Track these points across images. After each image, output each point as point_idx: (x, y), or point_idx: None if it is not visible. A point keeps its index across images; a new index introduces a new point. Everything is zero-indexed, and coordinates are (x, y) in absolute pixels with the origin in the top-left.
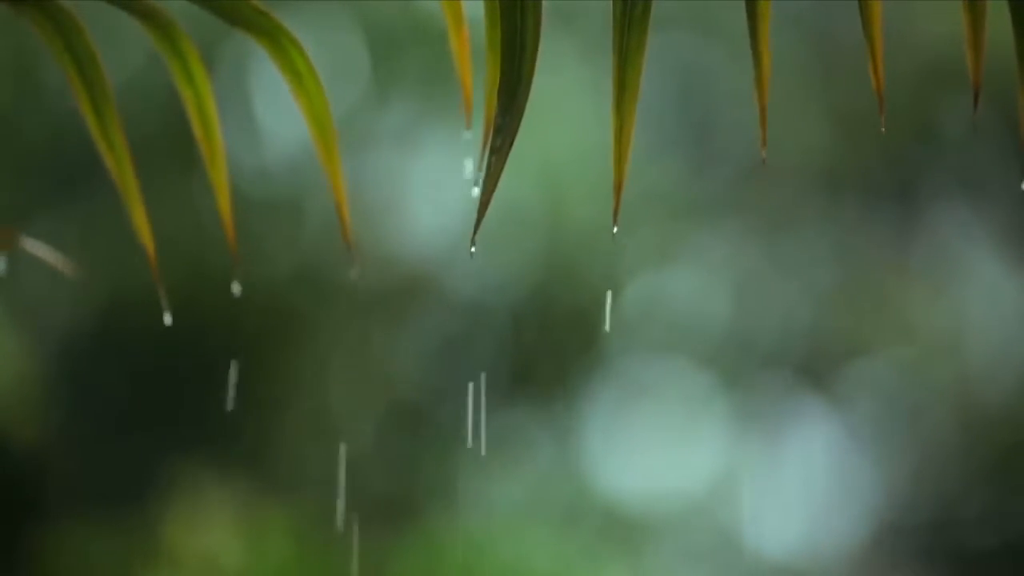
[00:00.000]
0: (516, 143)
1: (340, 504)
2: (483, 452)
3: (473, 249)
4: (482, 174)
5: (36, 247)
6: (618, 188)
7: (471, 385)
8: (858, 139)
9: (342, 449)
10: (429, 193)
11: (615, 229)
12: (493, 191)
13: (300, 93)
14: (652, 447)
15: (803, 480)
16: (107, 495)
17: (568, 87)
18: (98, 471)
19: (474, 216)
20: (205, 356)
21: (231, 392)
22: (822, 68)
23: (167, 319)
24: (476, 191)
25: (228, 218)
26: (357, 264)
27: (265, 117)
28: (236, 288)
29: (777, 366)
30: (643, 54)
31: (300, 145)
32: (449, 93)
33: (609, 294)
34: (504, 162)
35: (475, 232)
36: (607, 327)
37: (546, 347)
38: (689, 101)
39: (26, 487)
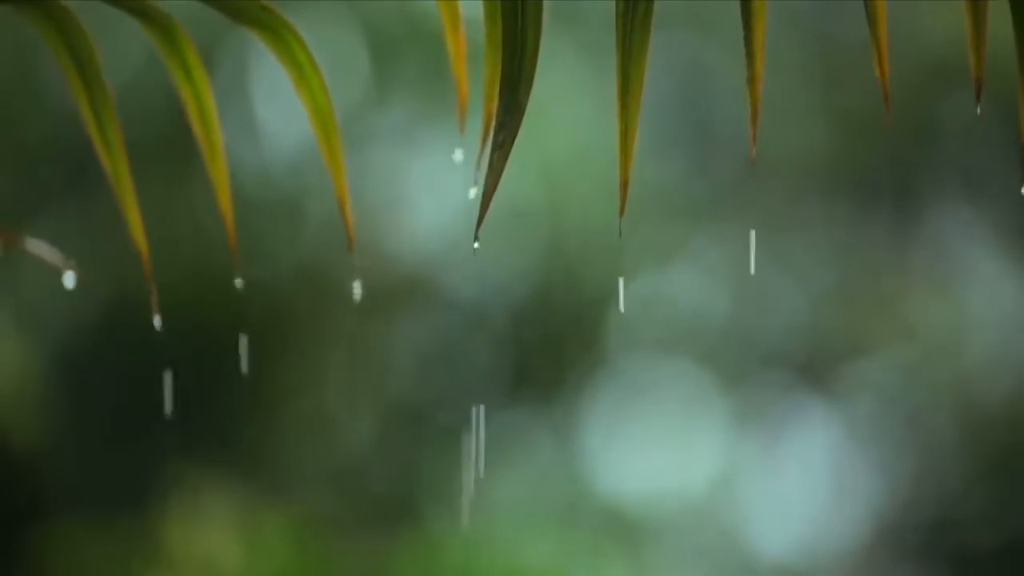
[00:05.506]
0: (516, 141)
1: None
2: (483, 457)
3: (476, 244)
4: (483, 171)
5: (36, 245)
6: (624, 186)
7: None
8: (858, 139)
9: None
10: (428, 193)
11: (620, 229)
12: (495, 188)
13: (302, 87)
14: (652, 447)
15: (803, 480)
16: (106, 496)
17: (568, 85)
18: (98, 472)
19: (474, 215)
20: (205, 356)
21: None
22: (822, 68)
23: (157, 321)
24: (473, 192)
25: (229, 216)
26: (357, 262)
27: (264, 117)
28: (239, 283)
29: (777, 366)
30: (647, 52)
31: (300, 144)
32: (448, 92)
33: (621, 281)
34: (506, 159)
35: (478, 227)
36: (621, 309)
37: (546, 347)
38: (689, 100)
39: (26, 487)
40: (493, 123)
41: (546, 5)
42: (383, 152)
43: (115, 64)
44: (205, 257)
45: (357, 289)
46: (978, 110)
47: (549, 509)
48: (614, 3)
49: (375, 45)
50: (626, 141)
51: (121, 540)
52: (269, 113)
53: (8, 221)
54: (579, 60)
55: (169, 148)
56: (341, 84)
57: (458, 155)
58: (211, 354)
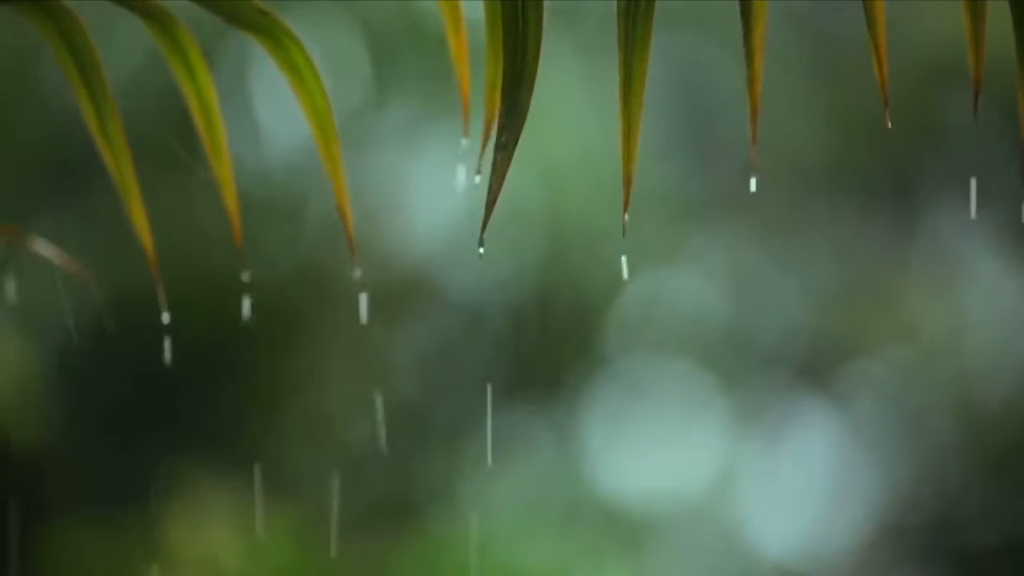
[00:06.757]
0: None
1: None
2: (489, 457)
3: (481, 250)
4: (484, 173)
5: (41, 245)
6: (627, 183)
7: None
8: (858, 139)
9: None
10: (429, 193)
11: (624, 227)
12: (500, 189)
13: (301, 91)
14: (652, 447)
15: (803, 480)
16: (107, 495)
17: (569, 85)
18: (98, 471)
19: (474, 215)
20: (205, 356)
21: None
22: (822, 67)
23: (165, 317)
24: (478, 178)
25: (234, 210)
26: (358, 264)
27: (265, 117)
28: (246, 276)
29: (777, 366)
30: (648, 50)
31: (301, 144)
32: (449, 93)
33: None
34: (510, 160)
35: (483, 229)
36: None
37: (546, 347)
38: (689, 101)
39: (26, 487)
40: (495, 125)
41: (546, 6)
42: (384, 153)
43: (115, 63)
44: (205, 255)
45: (363, 306)
46: (976, 111)
47: (549, 509)
48: (615, 1)
49: (375, 46)
50: (629, 138)
51: (121, 539)
52: (269, 114)
53: (8, 221)
54: (579, 60)
55: (169, 147)
56: (342, 85)
57: (462, 151)
58: (211, 352)
